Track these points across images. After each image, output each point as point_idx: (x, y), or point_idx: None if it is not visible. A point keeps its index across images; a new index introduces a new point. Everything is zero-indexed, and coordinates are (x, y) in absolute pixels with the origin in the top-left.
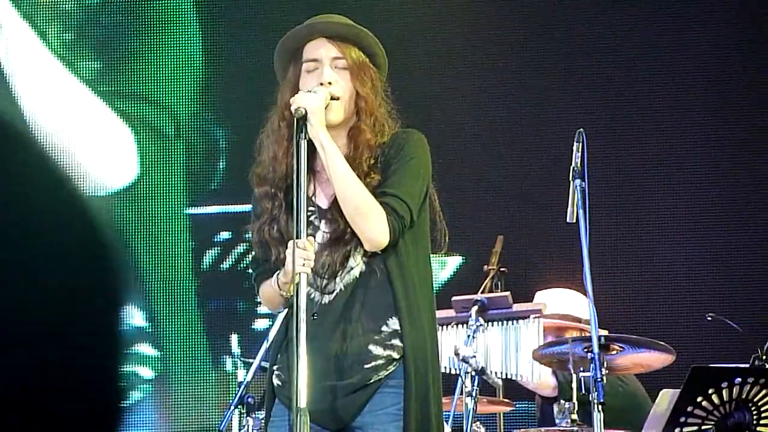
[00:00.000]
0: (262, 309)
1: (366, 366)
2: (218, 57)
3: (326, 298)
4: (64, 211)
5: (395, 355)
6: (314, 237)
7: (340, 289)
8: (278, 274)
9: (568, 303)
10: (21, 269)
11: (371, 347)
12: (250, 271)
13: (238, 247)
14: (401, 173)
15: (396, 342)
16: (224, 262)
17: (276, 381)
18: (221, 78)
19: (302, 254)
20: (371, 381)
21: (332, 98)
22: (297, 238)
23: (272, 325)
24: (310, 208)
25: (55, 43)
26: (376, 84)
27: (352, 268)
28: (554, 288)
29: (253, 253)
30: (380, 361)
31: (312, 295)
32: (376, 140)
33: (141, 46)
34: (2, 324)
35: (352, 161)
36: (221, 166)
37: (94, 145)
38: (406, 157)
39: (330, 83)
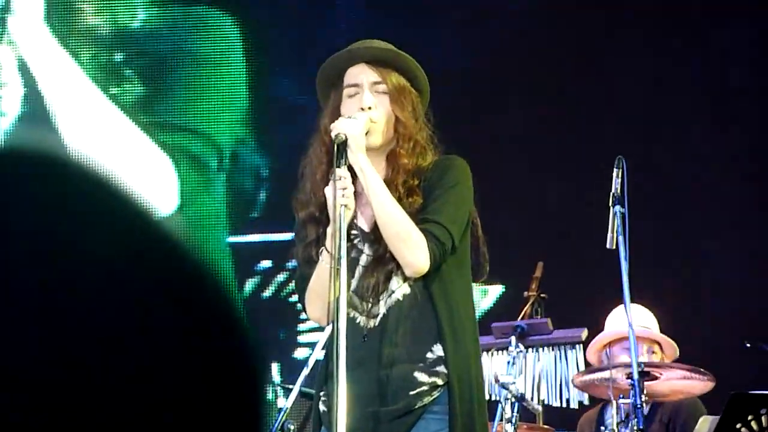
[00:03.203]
0: (303, 338)
1: (411, 392)
2: (262, 87)
3: (371, 323)
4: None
5: (440, 382)
6: (358, 261)
7: (384, 313)
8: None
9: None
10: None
11: (416, 374)
12: (294, 296)
13: (279, 276)
14: (443, 199)
15: (440, 368)
16: (265, 291)
17: (322, 407)
18: (264, 107)
19: (341, 184)
20: (416, 407)
21: (371, 122)
22: (339, 260)
23: (312, 353)
24: (354, 232)
25: (96, 73)
26: (416, 108)
27: (394, 291)
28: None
29: (297, 273)
30: (424, 388)
31: (357, 320)
32: (414, 164)
33: (185, 76)
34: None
35: (388, 184)
36: (262, 196)
37: (135, 176)
38: (449, 183)
39: (369, 108)
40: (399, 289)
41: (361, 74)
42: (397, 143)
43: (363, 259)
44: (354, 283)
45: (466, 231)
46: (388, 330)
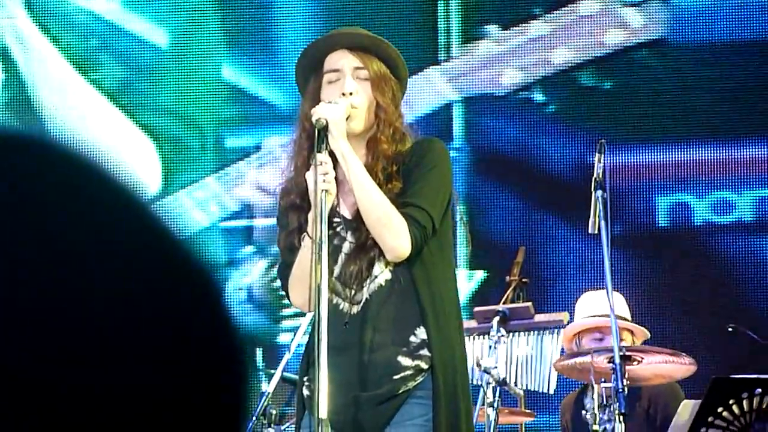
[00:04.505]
0: (286, 323)
1: (395, 377)
2: (242, 65)
3: (354, 309)
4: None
5: (423, 365)
6: (341, 248)
7: (367, 299)
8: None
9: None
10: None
11: (400, 358)
12: (277, 282)
13: (262, 262)
14: (422, 182)
15: (424, 352)
16: (248, 276)
17: (306, 392)
18: (245, 86)
19: (321, 169)
20: (399, 392)
21: (352, 108)
22: (320, 245)
23: (294, 338)
24: (336, 219)
25: (77, 58)
26: (396, 95)
27: (376, 276)
28: (596, 290)
29: (280, 261)
30: (409, 372)
31: (341, 306)
32: (393, 150)
33: (165, 57)
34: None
35: (368, 171)
36: (245, 179)
37: (117, 158)
38: (428, 165)
39: (351, 93)
40: (381, 274)
41: (342, 60)
42: (378, 129)
43: (345, 247)
44: (337, 269)
45: (446, 213)
46: (371, 315)
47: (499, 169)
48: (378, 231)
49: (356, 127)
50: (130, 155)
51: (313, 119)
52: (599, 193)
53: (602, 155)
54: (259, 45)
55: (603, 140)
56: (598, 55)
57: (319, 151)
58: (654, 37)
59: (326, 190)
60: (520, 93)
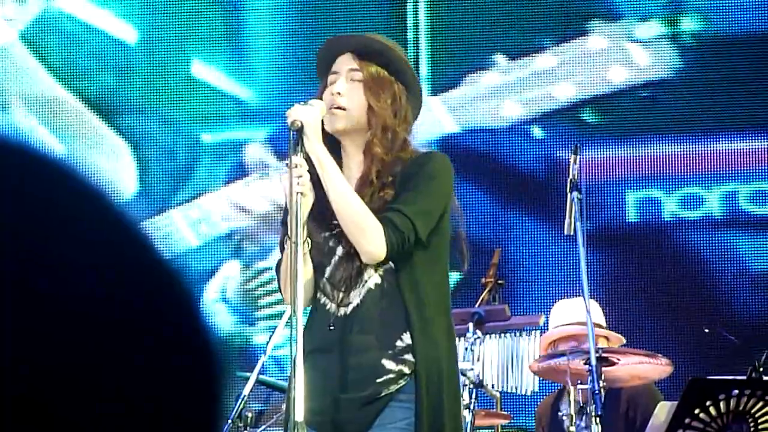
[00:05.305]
0: (263, 324)
1: (378, 380)
2: (215, 63)
3: (342, 311)
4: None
5: (406, 370)
6: (336, 251)
7: (356, 303)
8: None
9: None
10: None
11: (384, 361)
12: (252, 283)
13: (238, 263)
14: (414, 191)
15: (408, 357)
16: (224, 278)
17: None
18: (218, 85)
19: (296, 172)
20: (382, 395)
21: (338, 108)
22: (296, 247)
23: (270, 340)
24: (334, 222)
25: (57, 66)
26: (399, 100)
27: (366, 281)
28: (572, 298)
29: (279, 258)
30: (391, 375)
31: (328, 307)
32: (390, 155)
33: (137, 57)
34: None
35: (364, 176)
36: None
37: (92, 162)
38: (425, 176)
39: (339, 93)
40: (371, 279)
41: (342, 63)
42: (372, 133)
43: (339, 250)
44: (328, 271)
45: (439, 226)
46: (359, 318)
47: (475, 171)
48: (353, 234)
49: (339, 125)
50: (106, 158)
51: (288, 122)
52: (575, 194)
53: (577, 157)
54: (232, 43)
55: (577, 143)
56: (601, 92)
57: (294, 154)
58: (659, 78)
59: (301, 193)
60: (520, 127)
